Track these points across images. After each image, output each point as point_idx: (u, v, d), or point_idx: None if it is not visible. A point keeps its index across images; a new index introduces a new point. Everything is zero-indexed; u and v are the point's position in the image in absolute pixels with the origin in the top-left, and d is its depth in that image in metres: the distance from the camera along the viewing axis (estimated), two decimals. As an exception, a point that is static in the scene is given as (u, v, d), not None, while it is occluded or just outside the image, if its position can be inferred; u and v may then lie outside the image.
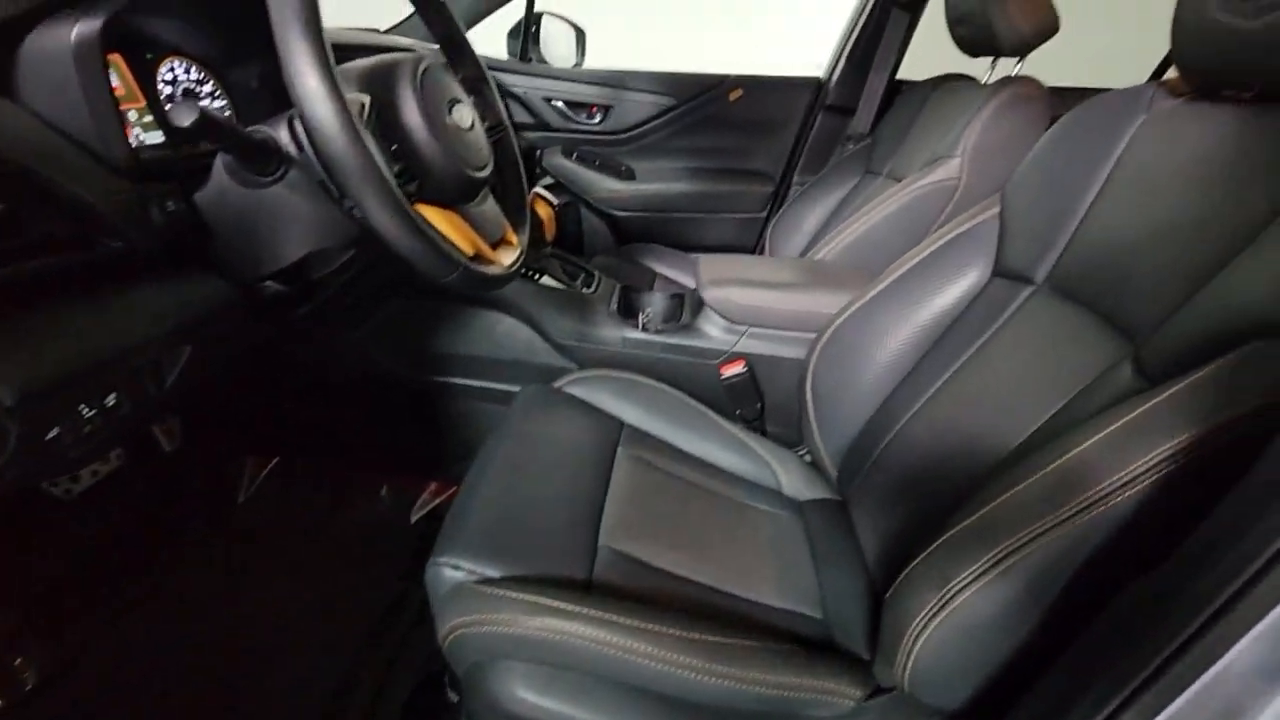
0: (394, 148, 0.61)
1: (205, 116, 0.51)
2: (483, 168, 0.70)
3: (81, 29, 0.55)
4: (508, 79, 1.78)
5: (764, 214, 1.90)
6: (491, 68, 1.76)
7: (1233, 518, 0.37)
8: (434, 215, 0.68)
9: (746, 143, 1.86)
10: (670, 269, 1.80)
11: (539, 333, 1.12)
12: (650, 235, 1.93)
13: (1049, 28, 1.19)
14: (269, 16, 0.50)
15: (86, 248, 0.57)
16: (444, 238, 0.59)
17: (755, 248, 1.94)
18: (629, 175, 1.90)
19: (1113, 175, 0.70)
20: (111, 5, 0.57)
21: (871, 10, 1.62)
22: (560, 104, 1.82)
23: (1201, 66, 0.64)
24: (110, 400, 0.58)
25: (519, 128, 1.85)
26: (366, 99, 0.60)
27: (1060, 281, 0.73)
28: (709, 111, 1.81)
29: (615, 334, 1.11)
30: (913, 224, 1.23)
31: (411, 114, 0.63)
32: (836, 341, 0.91)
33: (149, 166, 0.62)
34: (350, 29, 1.57)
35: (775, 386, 1.11)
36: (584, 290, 1.17)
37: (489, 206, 0.75)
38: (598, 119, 1.84)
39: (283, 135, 0.61)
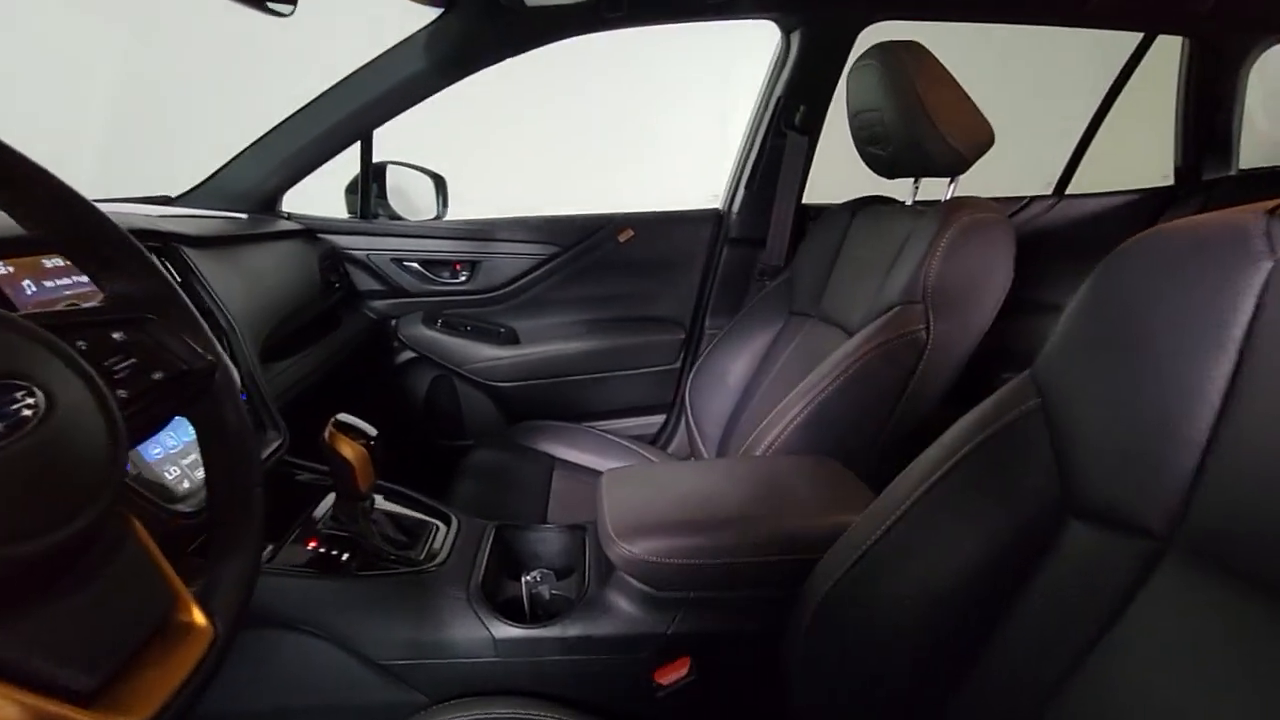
0: None
1: None
2: (64, 524, 0.30)
3: None
4: (345, 241, 1.43)
5: (678, 365, 1.59)
6: (322, 231, 1.43)
7: None
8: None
9: (647, 287, 1.58)
10: (573, 450, 1.42)
11: (354, 655, 0.68)
12: (544, 407, 1.56)
13: (986, 140, 0.99)
14: None
15: None
16: None
17: (672, 406, 1.61)
18: (510, 339, 1.56)
19: (1242, 372, 0.40)
20: None
21: (765, 135, 1.43)
22: (415, 264, 1.48)
23: None
24: None
25: (367, 295, 1.49)
26: None
27: (1200, 541, 0.40)
28: (597, 256, 1.53)
29: (478, 635, 0.69)
30: (879, 391, 0.93)
31: None
32: (840, 595, 0.54)
33: None
34: (126, 201, 1.18)
35: (743, 693, 0.71)
36: (426, 562, 0.75)
37: (108, 587, 0.34)
38: (463, 277, 1.51)
39: None
